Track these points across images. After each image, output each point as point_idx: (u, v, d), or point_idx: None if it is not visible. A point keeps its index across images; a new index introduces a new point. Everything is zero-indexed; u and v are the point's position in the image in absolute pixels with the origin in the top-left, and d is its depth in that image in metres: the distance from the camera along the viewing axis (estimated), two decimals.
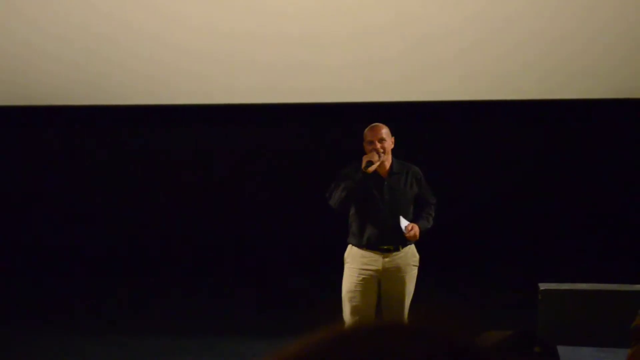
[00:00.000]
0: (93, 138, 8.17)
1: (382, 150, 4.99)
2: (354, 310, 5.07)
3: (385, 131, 5.06)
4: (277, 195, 7.85)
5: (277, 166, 7.90)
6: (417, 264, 5.15)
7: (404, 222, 4.98)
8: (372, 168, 4.94)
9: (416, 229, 5.00)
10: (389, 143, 5.06)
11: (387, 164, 5.10)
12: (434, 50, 7.14)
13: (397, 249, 5.08)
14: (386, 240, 5.06)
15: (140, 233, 8.09)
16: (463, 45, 7.11)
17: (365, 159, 4.94)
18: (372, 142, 5.02)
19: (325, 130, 7.79)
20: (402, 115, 7.55)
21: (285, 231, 7.78)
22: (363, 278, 5.05)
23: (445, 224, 7.61)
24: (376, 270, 5.05)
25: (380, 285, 5.10)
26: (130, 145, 8.16)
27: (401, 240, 5.07)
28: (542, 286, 5.90)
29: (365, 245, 5.06)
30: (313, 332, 0.69)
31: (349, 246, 5.14)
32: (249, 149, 7.99)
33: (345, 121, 7.14)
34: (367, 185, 5.02)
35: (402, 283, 5.07)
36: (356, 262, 5.08)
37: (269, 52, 7.24)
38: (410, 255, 5.12)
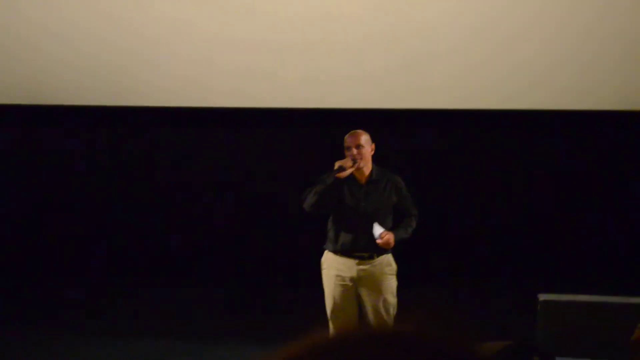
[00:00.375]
0: (93, 138, 8.18)
1: (358, 157, 4.99)
2: (335, 317, 5.08)
3: (364, 138, 5.05)
4: (273, 200, 7.84)
5: (274, 171, 7.87)
6: (394, 273, 5.10)
7: (377, 230, 4.96)
8: (344, 174, 4.92)
9: (389, 237, 4.96)
10: (368, 150, 5.04)
11: (367, 171, 5.08)
12: (441, 61, 7.17)
13: (372, 257, 5.05)
14: (360, 247, 5.04)
15: (136, 236, 8.09)
16: (470, 57, 7.13)
17: (337, 164, 4.94)
18: (349, 148, 5.02)
19: (327, 136, 7.78)
20: (406, 123, 7.57)
21: (282, 235, 7.76)
22: (340, 285, 5.06)
23: (444, 233, 7.64)
24: (351, 278, 5.05)
25: (358, 294, 5.09)
26: (131, 146, 8.17)
27: (376, 248, 5.03)
28: (542, 297, 5.92)
29: (340, 250, 5.06)
30: (297, 340, 0.70)
31: (325, 252, 5.14)
32: (244, 152, 7.97)
33: (346, 127, 7.12)
34: (342, 190, 5.01)
35: (377, 293, 5.05)
36: (332, 268, 5.08)
37: (276, 60, 7.27)
38: (384, 265, 5.08)
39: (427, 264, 7.40)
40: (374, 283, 5.04)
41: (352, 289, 5.06)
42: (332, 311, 5.09)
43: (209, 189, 8.05)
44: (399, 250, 5.21)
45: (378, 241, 4.95)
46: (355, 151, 4.99)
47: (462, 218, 7.75)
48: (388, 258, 5.09)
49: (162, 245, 8.08)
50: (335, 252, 5.08)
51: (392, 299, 5.08)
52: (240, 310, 7.23)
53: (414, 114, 7.41)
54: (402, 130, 7.62)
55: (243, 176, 7.97)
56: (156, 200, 8.13)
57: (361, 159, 5.00)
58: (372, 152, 5.08)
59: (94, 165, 8.17)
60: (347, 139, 5.06)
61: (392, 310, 5.06)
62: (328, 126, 7.44)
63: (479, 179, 7.75)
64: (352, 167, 4.96)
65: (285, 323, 6.42)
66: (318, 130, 7.70)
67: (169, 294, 7.55)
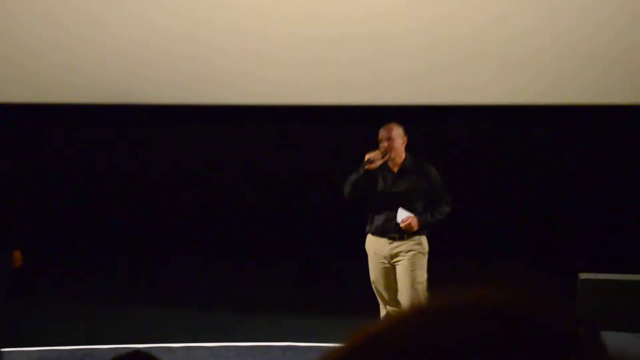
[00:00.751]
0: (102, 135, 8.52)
1: (388, 149, 5.46)
2: (377, 290, 5.61)
3: (395, 131, 5.52)
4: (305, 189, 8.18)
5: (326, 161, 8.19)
6: (423, 252, 5.52)
7: (401, 214, 5.42)
8: (373, 165, 5.42)
9: (412, 221, 5.40)
10: (399, 142, 5.50)
11: (399, 160, 5.53)
12: (463, 54, 7.50)
13: (402, 238, 5.49)
14: (391, 229, 5.49)
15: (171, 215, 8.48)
16: (490, 47, 7.46)
17: (367, 156, 5.44)
18: (381, 141, 5.50)
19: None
20: (444, 117, 7.90)
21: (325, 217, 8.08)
22: (378, 262, 5.56)
23: (485, 216, 7.93)
24: (385, 256, 5.53)
25: (394, 269, 5.56)
26: (151, 140, 8.50)
27: (406, 230, 5.49)
28: (582, 276, 6.25)
29: (374, 232, 5.57)
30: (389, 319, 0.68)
31: (367, 234, 5.65)
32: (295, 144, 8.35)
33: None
34: (376, 177, 5.51)
35: (404, 267, 5.47)
36: (371, 248, 5.60)
37: (293, 54, 7.65)
38: (414, 244, 5.50)
39: (467, 245, 7.71)
40: (402, 259, 5.49)
41: (388, 266, 5.54)
42: (374, 285, 5.62)
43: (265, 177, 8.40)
44: (438, 232, 5.63)
45: (401, 225, 5.42)
46: (386, 144, 5.47)
47: (503, 200, 8.07)
48: (419, 238, 5.54)
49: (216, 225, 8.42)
50: (372, 233, 5.59)
51: (419, 273, 5.50)
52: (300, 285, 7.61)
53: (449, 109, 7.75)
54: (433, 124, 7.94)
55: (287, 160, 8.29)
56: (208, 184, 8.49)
57: (391, 151, 5.48)
58: (405, 144, 5.54)
59: (124, 158, 8.53)
60: (381, 132, 5.55)
61: (420, 287, 5.48)
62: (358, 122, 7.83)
63: (521, 167, 8.05)
64: (381, 159, 5.42)
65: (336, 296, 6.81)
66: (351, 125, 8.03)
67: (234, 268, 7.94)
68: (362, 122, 7.68)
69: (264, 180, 8.40)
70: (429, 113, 7.82)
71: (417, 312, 0.65)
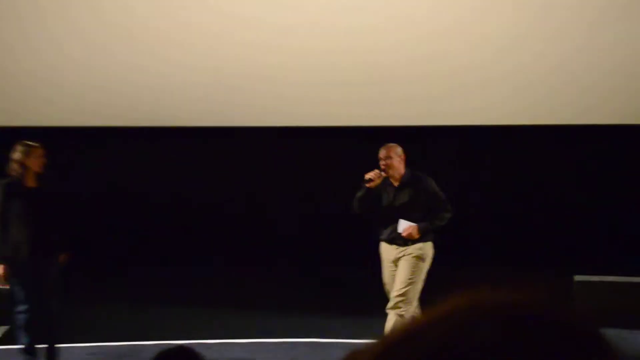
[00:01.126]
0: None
1: (385, 168, 6.00)
2: (386, 291, 6.12)
3: (393, 151, 6.06)
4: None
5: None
6: (424, 257, 6.04)
7: (402, 225, 5.98)
8: (372, 184, 5.98)
9: (412, 230, 5.95)
10: (396, 160, 6.03)
11: (398, 176, 6.06)
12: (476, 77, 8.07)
13: (406, 244, 6.04)
14: (397, 237, 6.06)
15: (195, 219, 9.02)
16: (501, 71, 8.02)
17: (366, 176, 5.99)
18: (380, 160, 6.04)
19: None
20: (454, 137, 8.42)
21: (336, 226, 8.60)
22: (387, 266, 6.14)
23: (487, 222, 8.43)
24: (392, 261, 6.10)
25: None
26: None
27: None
28: (577, 278, 6.71)
29: (383, 240, 6.15)
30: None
31: (380, 241, 6.23)
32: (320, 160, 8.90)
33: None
34: (381, 192, 6.05)
35: (401, 266, 6.02)
36: (382, 254, 6.18)
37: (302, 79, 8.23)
38: (415, 249, 6.04)
39: (468, 250, 8.20)
40: (403, 261, 6.04)
41: (394, 269, 6.09)
42: (385, 287, 6.18)
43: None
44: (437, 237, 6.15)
45: (402, 235, 5.99)
46: (383, 162, 6.00)
47: (504, 209, 8.58)
48: (423, 245, 6.07)
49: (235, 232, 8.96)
50: (382, 241, 6.17)
51: (415, 275, 6.00)
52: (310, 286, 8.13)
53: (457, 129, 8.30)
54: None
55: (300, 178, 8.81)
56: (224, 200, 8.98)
57: (388, 169, 6.01)
58: (403, 161, 6.07)
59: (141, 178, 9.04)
60: (380, 152, 6.11)
61: (411, 287, 5.97)
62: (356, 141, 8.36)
63: (518, 173, 8.57)
64: (379, 177, 5.95)
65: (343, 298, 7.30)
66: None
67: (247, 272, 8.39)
68: (366, 140, 8.23)
69: (287, 190, 8.93)
70: (432, 131, 8.35)
71: (438, 316, 0.65)
